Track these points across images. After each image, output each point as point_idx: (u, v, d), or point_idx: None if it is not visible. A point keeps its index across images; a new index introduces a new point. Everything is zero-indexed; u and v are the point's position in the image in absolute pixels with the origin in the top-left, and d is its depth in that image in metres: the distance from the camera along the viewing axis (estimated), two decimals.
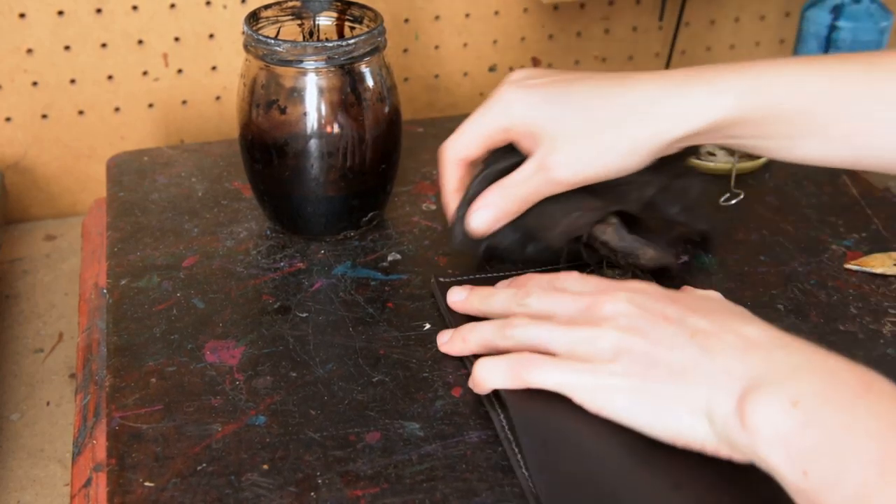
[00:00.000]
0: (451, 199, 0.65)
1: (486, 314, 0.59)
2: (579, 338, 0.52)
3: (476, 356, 0.56)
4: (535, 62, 1.17)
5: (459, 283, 0.63)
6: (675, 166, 0.63)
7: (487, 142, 0.62)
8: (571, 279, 0.57)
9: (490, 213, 0.62)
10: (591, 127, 0.59)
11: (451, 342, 0.59)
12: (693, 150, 0.62)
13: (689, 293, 0.57)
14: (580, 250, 0.63)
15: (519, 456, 0.51)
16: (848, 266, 0.67)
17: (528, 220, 0.63)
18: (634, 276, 0.62)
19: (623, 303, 0.52)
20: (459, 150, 0.63)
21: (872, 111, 0.56)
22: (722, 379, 0.47)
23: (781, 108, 0.57)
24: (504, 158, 0.63)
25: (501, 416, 0.53)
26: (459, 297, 0.61)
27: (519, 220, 0.63)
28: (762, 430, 0.44)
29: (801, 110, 0.57)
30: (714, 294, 0.59)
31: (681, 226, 0.65)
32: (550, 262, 0.65)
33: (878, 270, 0.67)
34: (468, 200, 0.63)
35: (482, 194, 0.62)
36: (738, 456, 0.47)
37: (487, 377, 0.54)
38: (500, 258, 0.66)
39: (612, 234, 0.62)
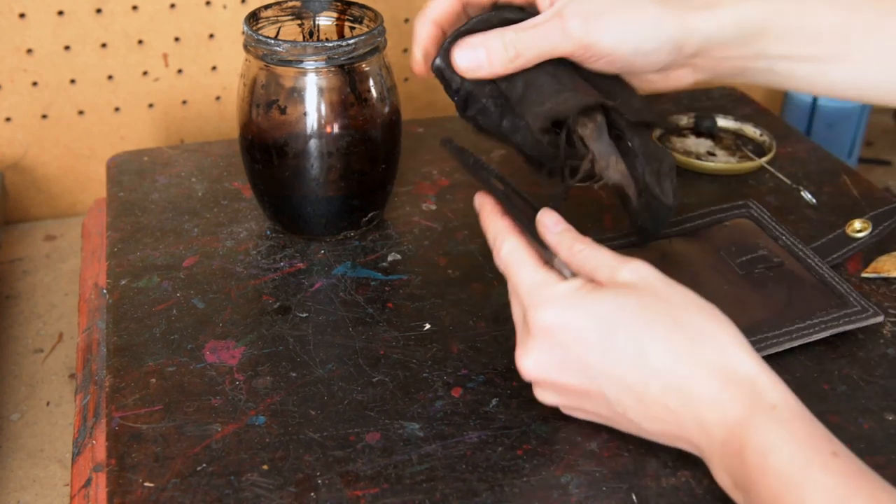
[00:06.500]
0: (430, 28, 0.58)
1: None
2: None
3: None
4: None
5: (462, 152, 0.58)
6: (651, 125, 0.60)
7: None
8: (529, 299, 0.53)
9: (482, 54, 0.55)
10: None
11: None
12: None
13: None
14: (552, 141, 0.57)
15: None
16: (865, 275, 0.67)
17: (515, 88, 0.57)
18: (589, 183, 0.58)
19: (549, 393, 0.53)
20: (433, 11, 0.57)
21: None
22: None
23: (812, 21, 0.55)
24: (510, 10, 0.57)
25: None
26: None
27: (505, 82, 0.57)
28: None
29: (833, 25, 0.55)
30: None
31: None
32: (520, 151, 0.59)
33: (895, 275, 0.67)
34: (461, 33, 0.56)
35: (480, 34, 0.56)
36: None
37: None
38: (471, 119, 0.59)
39: (592, 131, 0.56)
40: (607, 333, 0.49)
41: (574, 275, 0.53)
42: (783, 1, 0.55)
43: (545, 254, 0.53)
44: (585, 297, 0.50)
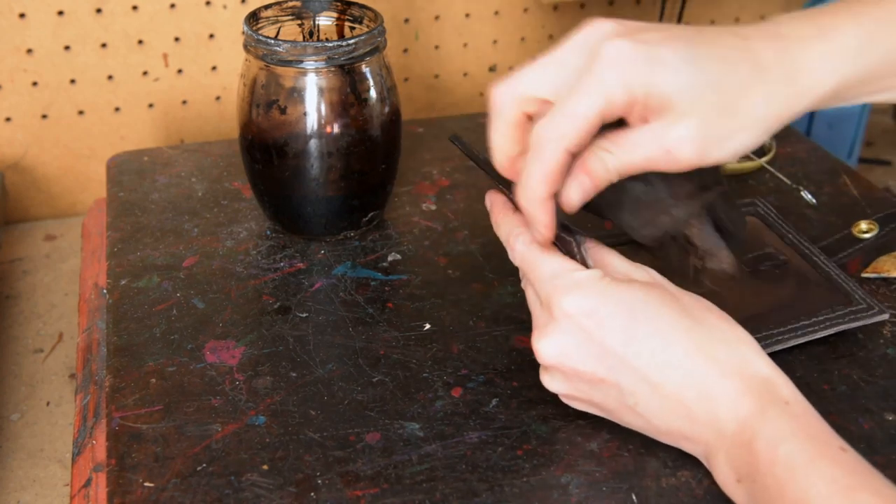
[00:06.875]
0: (546, 206, 0.51)
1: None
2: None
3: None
4: None
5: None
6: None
7: (602, 122, 0.49)
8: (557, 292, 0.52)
9: (588, 183, 0.50)
10: (724, 101, 0.49)
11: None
12: None
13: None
14: (659, 245, 0.56)
15: None
16: (865, 275, 0.67)
17: (618, 210, 0.54)
18: (697, 280, 0.57)
19: (559, 382, 0.53)
20: (569, 138, 0.49)
21: None
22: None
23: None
24: None
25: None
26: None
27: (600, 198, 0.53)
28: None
29: None
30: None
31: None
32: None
33: (895, 275, 0.66)
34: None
35: (582, 158, 0.50)
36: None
37: None
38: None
39: (697, 231, 0.55)
40: (631, 323, 0.49)
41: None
42: (870, 46, 0.52)
43: (567, 244, 0.53)
44: (611, 286, 0.50)
